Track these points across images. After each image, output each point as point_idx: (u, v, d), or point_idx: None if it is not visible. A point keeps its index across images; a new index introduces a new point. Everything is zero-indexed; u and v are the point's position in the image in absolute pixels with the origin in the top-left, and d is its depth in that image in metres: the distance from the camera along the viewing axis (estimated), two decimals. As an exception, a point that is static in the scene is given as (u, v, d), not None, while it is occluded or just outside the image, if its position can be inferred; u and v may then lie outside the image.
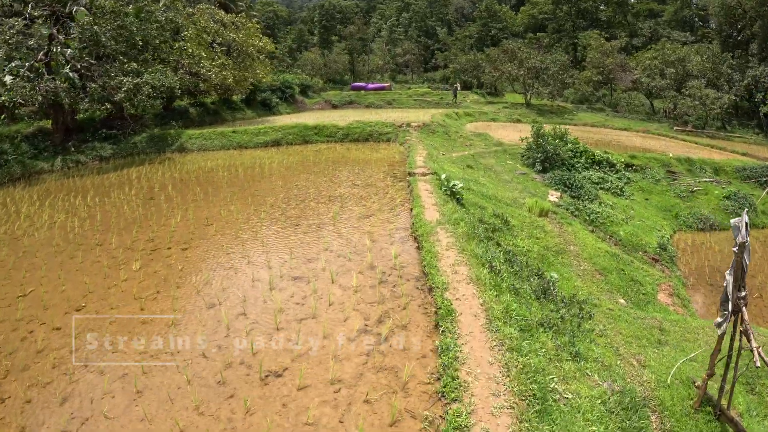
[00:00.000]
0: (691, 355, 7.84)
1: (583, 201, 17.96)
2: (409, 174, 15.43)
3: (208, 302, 7.95)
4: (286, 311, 7.55)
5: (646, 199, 21.77)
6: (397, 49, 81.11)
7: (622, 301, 10.96)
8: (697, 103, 45.87)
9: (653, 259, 15.18)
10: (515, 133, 32.48)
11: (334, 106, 51.31)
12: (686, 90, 47.40)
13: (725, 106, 46.20)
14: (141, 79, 23.08)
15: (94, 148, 24.42)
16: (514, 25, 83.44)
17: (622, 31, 69.80)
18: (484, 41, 77.26)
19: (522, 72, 46.49)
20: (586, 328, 7.83)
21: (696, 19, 79.93)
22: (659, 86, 49.78)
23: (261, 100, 42.64)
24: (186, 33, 29.39)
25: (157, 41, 28.57)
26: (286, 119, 35.00)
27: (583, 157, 23.09)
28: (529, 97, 47.99)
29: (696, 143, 38.92)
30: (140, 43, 24.65)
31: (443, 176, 13.21)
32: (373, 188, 14.72)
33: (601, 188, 21.01)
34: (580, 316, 8.33)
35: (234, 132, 25.69)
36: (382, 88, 58.91)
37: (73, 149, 23.89)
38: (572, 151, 22.71)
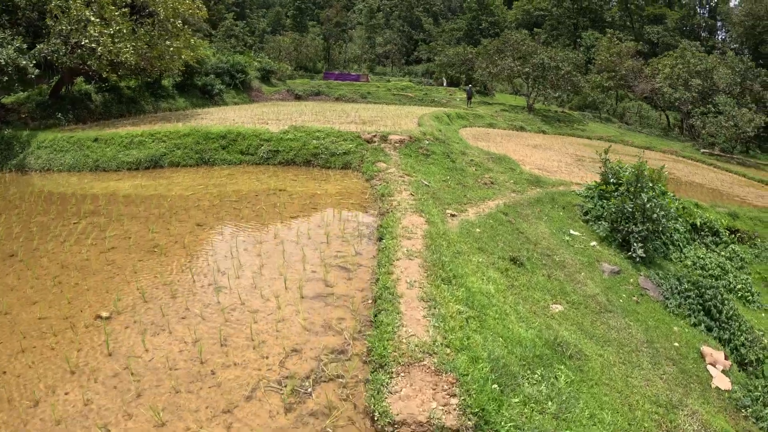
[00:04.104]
0: None
1: (759, 375, 7.35)
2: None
3: None
4: None
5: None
6: (378, 39, 69.28)
7: None
8: (730, 123, 36.17)
9: None
10: (534, 152, 21.82)
11: (298, 97, 40.11)
12: (714, 107, 37.76)
13: (759, 128, 36.81)
14: None
15: None
16: (506, 20, 72.48)
17: (628, 34, 59.71)
18: (473, 35, 66.21)
19: (527, 69, 35.68)
20: None
21: (698, 29, 70.71)
22: (683, 99, 39.83)
23: (201, 86, 30.64)
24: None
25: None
26: (228, 112, 23.36)
27: (681, 220, 12.56)
28: (532, 100, 37.29)
29: (745, 176, 29.23)
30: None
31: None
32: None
33: (722, 286, 10.53)
34: None
35: (96, 141, 14.08)
36: (357, 79, 48.17)
37: None
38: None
